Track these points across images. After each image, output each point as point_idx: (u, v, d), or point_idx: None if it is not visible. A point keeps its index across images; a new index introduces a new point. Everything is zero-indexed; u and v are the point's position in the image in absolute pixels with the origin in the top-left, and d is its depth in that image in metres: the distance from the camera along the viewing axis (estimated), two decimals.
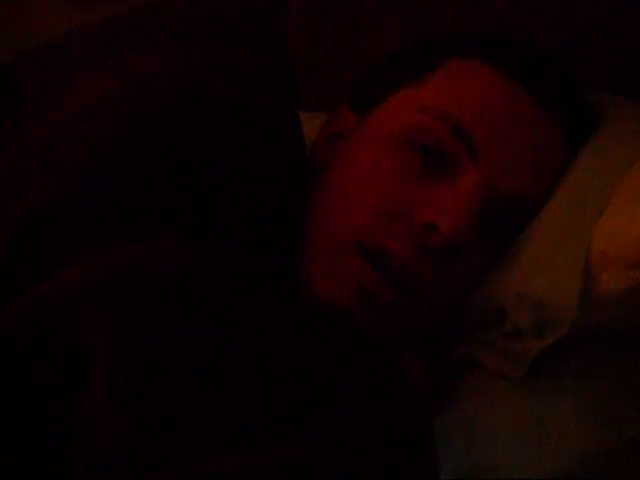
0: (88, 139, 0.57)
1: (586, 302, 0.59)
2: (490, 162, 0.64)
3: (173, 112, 0.58)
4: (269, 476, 0.46)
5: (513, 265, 0.64)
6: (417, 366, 0.61)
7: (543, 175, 0.66)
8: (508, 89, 0.66)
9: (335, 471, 0.47)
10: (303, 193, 0.65)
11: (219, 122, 0.59)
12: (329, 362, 0.51)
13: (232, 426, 0.47)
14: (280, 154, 0.62)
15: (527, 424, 0.60)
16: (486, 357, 0.64)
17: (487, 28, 0.82)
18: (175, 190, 0.56)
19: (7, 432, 0.46)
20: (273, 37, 0.96)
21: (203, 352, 0.48)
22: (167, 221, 0.55)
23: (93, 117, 0.58)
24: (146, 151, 0.56)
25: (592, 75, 0.77)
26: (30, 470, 0.46)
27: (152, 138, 0.57)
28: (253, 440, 0.47)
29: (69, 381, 0.47)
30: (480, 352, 0.64)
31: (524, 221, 0.65)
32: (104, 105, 0.59)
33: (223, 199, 0.57)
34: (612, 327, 0.61)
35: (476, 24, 0.83)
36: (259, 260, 0.59)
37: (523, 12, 0.81)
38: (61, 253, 0.52)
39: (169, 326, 0.48)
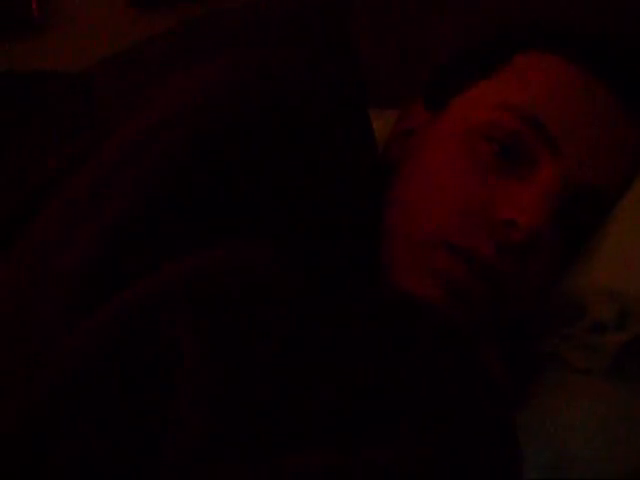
0: (166, 150, 0.58)
1: None
2: (568, 156, 0.63)
3: (247, 120, 0.59)
4: (353, 477, 0.46)
5: (593, 259, 0.63)
6: (499, 361, 0.60)
7: (622, 167, 0.65)
8: (586, 84, 0.65)
9: (420, 473, 0.47)
10: (378, 191, 0.65)
11: (293, 127, 0.59)
12: (412, 358, 0.51)
13: (317, 425, 0.48)
14: (354, 154, 0.62)
15: (613, 419, 0.59)
16: (568, 351, 0.63)
17: (554, 20, 0.81)
18: (254, 196, 0.57)
19: (95, 428, 0.47)
20: (339, 38, 0.97)
21: (287, 353, 0.49)
22: (247, 227, 0.56)
23: (169, 127, 0.59)
24: (223, 160, 0.57)
25: None
26: (119, 467, 0.47)
27: (228, 147, 0.57)
28: (341, 439, 0.47)
29: (156, 381, 0.48)
30: (562, 346, 0.63)
31: (602, 215, 0.65)
32: (179, 116, 0.60)
33: (301, 202, 0.58)
34: None
35: (541, 18, 0.82)
36: (340, 261, 0.59)
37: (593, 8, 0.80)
38: (146, 259, 0.54)
39: (254, 328, 0.49)
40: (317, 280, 0.54)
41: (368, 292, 0.59)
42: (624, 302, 0.60)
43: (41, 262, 0.55)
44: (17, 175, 0.75)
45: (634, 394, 0.60)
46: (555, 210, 0.63)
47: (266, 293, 0.50)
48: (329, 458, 0.46)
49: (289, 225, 0.57)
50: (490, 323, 0.63)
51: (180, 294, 0.49)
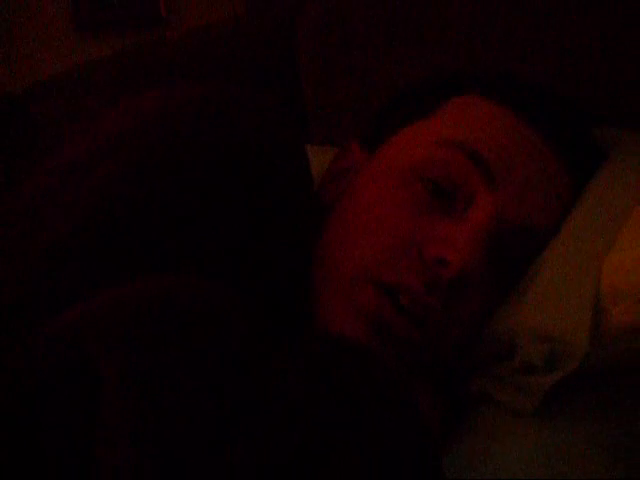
0: (101, 177, 0.57)
1: (597, 336, 0.59)
2: (503, 193, 0.64)
3: (186, 150, 0.58)
4: None
5: (523, 299, 0.64)
6: (429, 400, 0.60)
7: (552, 207, 0.67)
8: (514, 123, 0.67)
9: None
10: (312, 228, 0.65)
11: (229, 162, 0.59)
12: (340, 401, 0.51)
13: (238, 473, 0.47)
14: (290, 191, 0.62)
15: (539, 461, 0.60)
16: (497, 391, 0.63)
17: (497, 65, 0.83)
18: (188, 228, 0.56)
19: (20, 461, 0.46)
20: (281, 71, 0.97)
21: (213, 389, 0.48)
22: (180, 258, 0.55)
23: (106, 155, 0.58)
24: (159, 190, 0.57)
25: (598, 108, 0.78)
26: None
27: (163, 180, 0.57)
28: None
29: (80, 413, 0.47)
30: (491, 386, 0.64)
31: (533, 253, 0.66)
32: (117, 143, 0.59)
33: (233, 238, 0.58)
34: (624, 361, 0.61)
35: (485, 59, 0.84)
36: (271, 298, 0.59)
37: (532, 50, 0.83)
38: (75, 289, 0.53)
39: (179, 362, 0.48)
40: (246, 317, 0.53)
41: (299, 333, 0.58)
42: (553, 343, 0.60)
43: None
44: None
45: (562, 436, 0.61)
46: (487, 248, 0.63)
47: (194, 325, 0.50)
48: None
49: (220, 261, 0.57)
50: (419, 362, 0.63)
51: (106, 324, 0.48)
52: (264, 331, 0.52)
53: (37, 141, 1.05)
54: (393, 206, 0.64)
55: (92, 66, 1.06)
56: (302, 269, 0.64)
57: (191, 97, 0.62)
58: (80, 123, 0.68)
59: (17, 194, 0.60)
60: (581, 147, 0.70)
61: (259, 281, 0.59)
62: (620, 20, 0.78)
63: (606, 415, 0.61)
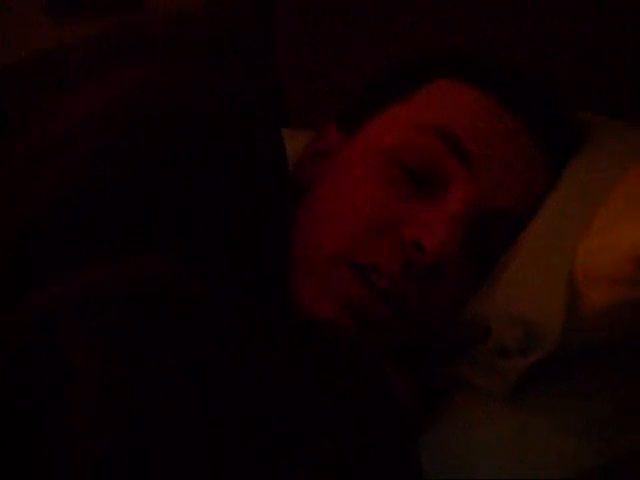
0: (76, 156, 0.56)
1: (571, 320, 0.59)
2: (481, 178, 0.64)
3: (157, 133, 0.58)
4: None
5: (498, 283, 0.64)
6: (404, 384, 0.61)
7: (528, 192, 0.67)
8: (493, 108, 0.67)
9: None
10: (288, 211, 0.65)
11: (206, 141, 0.58)
12: (316, 383, 0.51)
13: (218, 451, 0.46)
14: (264, 173, 0.62)
15: (515, 443, 0.60)
16: (472, 374, 0.63)
17: (467, 52, 0.83)
18: (165, 208, 0.56)
19: None
20: (258, 55, 0.97)
21: (188, 372, 0.47)
22: (157, 239, 0.55)
23: (76, 137, 0.58)
24: (135, 170, 0.56)
25: (576, 95, 0.78)
26: None
27: (134, 160, 0.56)
28: (238, 466, 0.46)
29: (53, 398, 0.46)
30: (466, 369, 0.64)
31: (509, 238, 0.66)
32: (86, 126, 0.58)
33: (208, 218, 0.57)
34: (599, 345, 0.61)
35: (466, 41, 0.84)
36: (246, 280, 0.58)
37: (503, 37, 0.83)
38: (49, 267, 0.52)
39: (153, 344, 0.47)
40: (221, 300, 0.52)
41: (273, 313, 0.58)
42: (527, 327, 0.60)
43: None
44: None
45: (537, 419, 0.61)
46: (464, 233, 0.63)
47: (168, 308, 0.49)
48: None
49: (193, 242, 0.56)
50: (394, 344, 0.63)
51: (79, 307, 0.47)
52: (245, 313, 0.51)
53: (8, 124, 1.04)
54: (371, 189, 0.64)
55: (68, 49, 1.05)
56: (278, 250, 0.63)
57: (162, 79, 0.61)
58: (50, 105, 0.67)
59: None
60: (559, 133, 0.70)
61: (235, 263, 0.58)
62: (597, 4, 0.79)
63: (578, 398, 0.61)
